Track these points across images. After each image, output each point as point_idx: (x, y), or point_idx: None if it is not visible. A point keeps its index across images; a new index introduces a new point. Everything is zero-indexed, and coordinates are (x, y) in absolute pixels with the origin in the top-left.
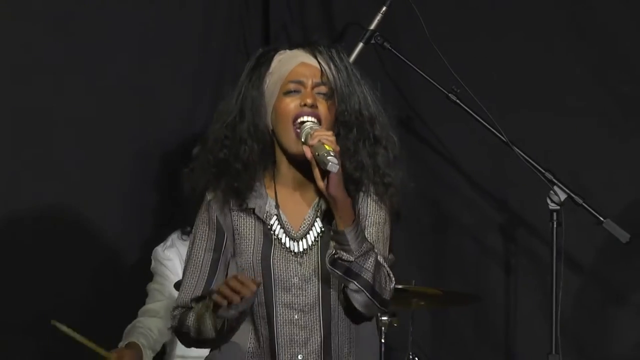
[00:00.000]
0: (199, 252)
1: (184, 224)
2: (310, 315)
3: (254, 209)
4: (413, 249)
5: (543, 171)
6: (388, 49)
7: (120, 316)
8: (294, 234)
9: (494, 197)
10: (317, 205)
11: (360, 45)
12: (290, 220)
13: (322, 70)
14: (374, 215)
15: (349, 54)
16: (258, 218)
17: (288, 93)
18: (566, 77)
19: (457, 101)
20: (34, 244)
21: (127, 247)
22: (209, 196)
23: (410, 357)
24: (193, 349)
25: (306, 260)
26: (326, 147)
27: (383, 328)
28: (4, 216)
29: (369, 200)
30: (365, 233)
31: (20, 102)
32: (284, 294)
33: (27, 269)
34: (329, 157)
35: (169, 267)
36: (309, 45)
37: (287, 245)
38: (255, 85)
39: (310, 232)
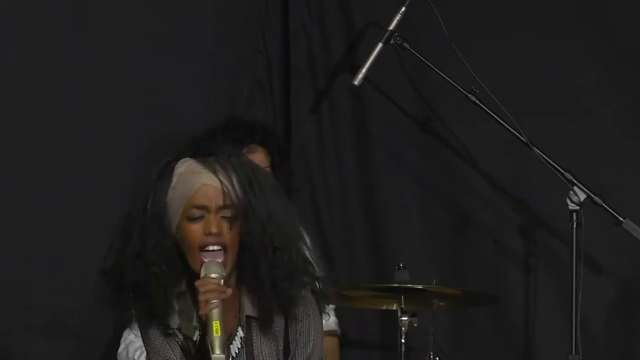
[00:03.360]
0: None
1: None
2: None
3: (179, 329)
4: (433, 249)
5: (563, 171)
6: (407, 49)
7: None
8: None
9: (513, 197)
10: (239, 313)
11: (380, 45)
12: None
13: (224, 191)
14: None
15: (368, 54)
16: (182, 336)
17: (192, 219)
18: (584, 77)
19: (477, 101)
20: (53, 244)
21: None
22: (134, 311)
23: (431, 357)
24: None
25: None
26: (215, 330)
27: (403, 328)
28: (24, 217)
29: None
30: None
31: (39, 102)
32: None
33: (45, 269)
34: (215, 354)
35: None
36: (209, 160)
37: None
38: (158, 201)
39: (234, 341)
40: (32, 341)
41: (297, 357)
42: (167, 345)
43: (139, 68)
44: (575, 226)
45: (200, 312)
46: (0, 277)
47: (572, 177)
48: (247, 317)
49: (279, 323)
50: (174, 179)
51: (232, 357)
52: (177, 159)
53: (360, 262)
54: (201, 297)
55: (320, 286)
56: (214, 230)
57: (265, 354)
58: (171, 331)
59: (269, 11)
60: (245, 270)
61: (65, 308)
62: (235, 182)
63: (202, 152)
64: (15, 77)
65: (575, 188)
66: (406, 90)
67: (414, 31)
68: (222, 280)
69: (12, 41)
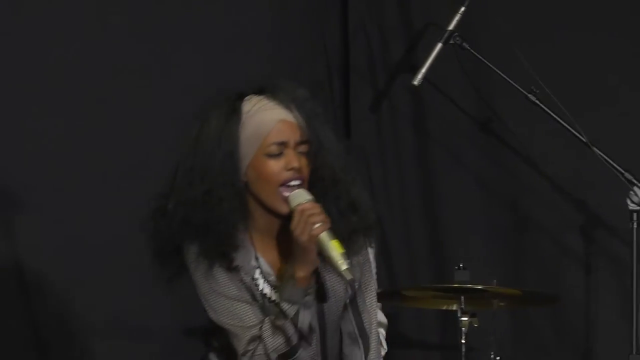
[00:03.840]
0: (230, 293)
1: None
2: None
3: (239, 267)
4: (493, 249)
5: (623, 171)
6: (467, 50)
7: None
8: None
9: (573, 197)
10: None
11: (439, 45)
12: (274, 271)
13: (299, 126)
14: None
15: (428, 54)
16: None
17: (271, 155)
18: None
19: (536, 101)
20: (114, 244)
21: None
22: (191, 256)
23: (492, 357)
24: None
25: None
26: (337, 248)
27: (463, 328)
28: (81, 217)
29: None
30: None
31: (102, 102)
32: None
33: (104, 270)
34: (344, 267)
35: None
36: (280, 96)
37: (274, 299)
38: (229, 139)
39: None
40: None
41: (362, 287)
42: (231, 283)
43: (198, 69)
44: (635, 226)
45: (313, 233)
46: (66, 278)
47: (632, 177)
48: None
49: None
50: (243, 117)
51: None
52: (241, 98)
53: (421, 262)
54: (311, 219)
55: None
56: (296, 165)
57: (335, 285)
58: (235, 267)
59: (328, 11)
60: (325, 204)
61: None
62: (306, 117)
63: (268, 87)
64: (83, 77)
65: (635, 188)
66: (466, 90)
67: (474, 31)
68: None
69: (79, 41)
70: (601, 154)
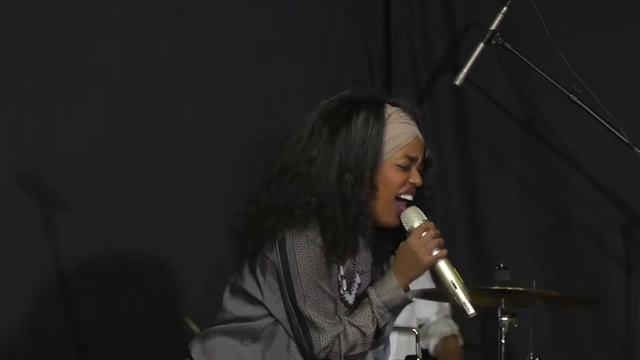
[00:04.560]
0: (324, 284)
1: None
2: None
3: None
4: (534, 249)
5: None
6: (509, 49)
7: None
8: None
9: (615, 197)
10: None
11: (481, 45)
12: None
13: (424, 145)
14: None
15: (470, 54)
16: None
17: (401, 167)
18: None
19: (578, 102)
20: (152, 245)
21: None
22: (314, 236)
23: (531, 357)
24: None
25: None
26: (459, 277)
27: (503, 328)
28: (122, 217)
29: None
30: None
31: (144, 101)
32: None
33: (145, 271)
34: (468, 306)
35: None
36: (411, 113)
37: (346, 299)
38: (373, 140)
39: (353, 284)
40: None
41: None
42: (329, 275)
43: (242, 69)
44: None
45: (435, 256)
46: (107, 278)
47: None
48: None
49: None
50: (386, 123)
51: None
52: (381, 103)
53: (462, 261)
54: (432, 242)
55: None
56: (418, 182)
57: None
58: (338, 265)
59: (370, 11)
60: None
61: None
62: (426, 142)
63: (401, 103)
64: (123, 77)
65: None
66: (507, 90)
67: (515, 31)
68: None
69: (116, 40)
70: None
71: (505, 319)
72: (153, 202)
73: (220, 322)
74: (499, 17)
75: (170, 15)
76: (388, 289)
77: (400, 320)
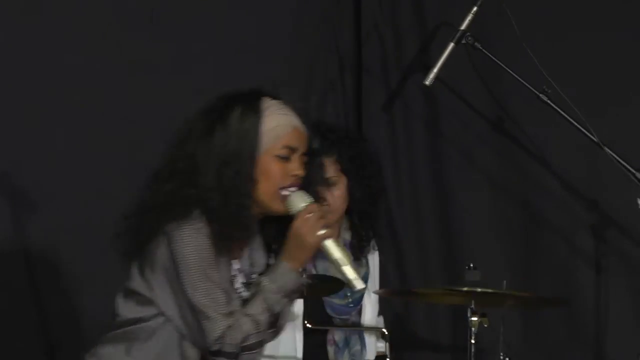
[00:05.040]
0: (214, 276)
1: None
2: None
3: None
4: (504, 249)
5: (634, 172)
6: (479, 49)
7: None
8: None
9: (584, 197)
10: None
11: (451, 45)
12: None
13: (306, 135)
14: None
15: (440, 54)
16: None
17: (281, 157)
18: None
19: (548, 101)
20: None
21: None
22: (189, 231)
23: (501, 358)
24: (281, 348)
25: None
26: (344, 254)
27: (473, 328)
28: (95, 215)
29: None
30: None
31: (116, 102)
32: None
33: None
34: (354, 277)
35: None
36: (291, 105)
37: (242, 293)
38: (248, 133)
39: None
40: None
41: None
42: (218, 265)
43: (212, 68)
44: None
45: (320, 236)
46: (76, 275)
47: None
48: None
49: None
50: (262, 115)
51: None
52: (258, 97)
53: (431, 261)
54: (318, 222)
55: None
56: (299, 172)
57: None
58: (226, 256)
59: (341, 11)
60: None
61: None
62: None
63: (282, 96)
64: (96, 76)
65: None
66: (478, 90)
67: (486, 31)
68: None
69: (94, 41)
70: (612, 154)
71: (475, 319)
72: (129, 202)
73: (112, 329)
74: (469, 17)
75: (141, 13)
76: (279, 273)
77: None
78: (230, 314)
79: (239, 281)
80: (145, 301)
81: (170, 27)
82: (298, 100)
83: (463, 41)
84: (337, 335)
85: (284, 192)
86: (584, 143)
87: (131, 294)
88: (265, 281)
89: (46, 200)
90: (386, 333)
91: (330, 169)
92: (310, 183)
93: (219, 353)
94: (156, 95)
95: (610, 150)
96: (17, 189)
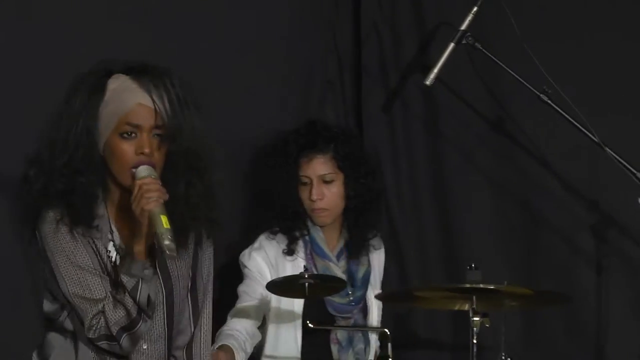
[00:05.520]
0: (83, 263)
1: (271, 225)
2: (157, 345)
3: (94, 239)
4: (505, 249)
5: (635, 172)
6: (479, 49)
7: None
8: None
9: (585, 197)
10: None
11: (452, 45)
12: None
13: (156, 111)
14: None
15: (440, 54)
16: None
17: (124, 135)
18: None
19: (549, 101)
20: None
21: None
22: (51, 226)
23: (503, 357)
24: (281, 348)
25: None
26: (163, 221)
27: (475, 328)
28: None
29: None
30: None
31: None
32: None
33: None
34: (166, 242)
35: (257, 269)
36: (143, 79)
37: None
38: (90, 113)
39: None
40: None
41: (197, 285)
42: (86, 253)
43: (211, 68)
44: None
45: (145, 207)
46: None
47: None
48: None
49: (191, 247)
50: (107, 94)
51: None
52: (109, 74)
53: (432, 262)
54: (145, 195)
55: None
56: (146, 150)
57: (178, 272)
58: (89, 239)
59: (340, 11)
60: (165, 187)
61: None
62: (166, 103)
63: (136, 69)
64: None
65: None
66: (478, 90)
67: (486, 31)
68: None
69: (94, 41)
70: (613, 154)
71: (477, 318)
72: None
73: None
74: (469, 17)
75: (140, 12)
76: (126, 253)
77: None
78: (99, 300)
79: (114, 257)
80: (51, 297)
81: (168, 26)
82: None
83: (463, 41)
84: (340, 334)
85: (133, 170)
86: (584, 143)
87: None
88: (119, 266)
89: None
90: (388, 333)
91: (327, 166)
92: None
93: (96, 339)
94: None
95: (611, 150)
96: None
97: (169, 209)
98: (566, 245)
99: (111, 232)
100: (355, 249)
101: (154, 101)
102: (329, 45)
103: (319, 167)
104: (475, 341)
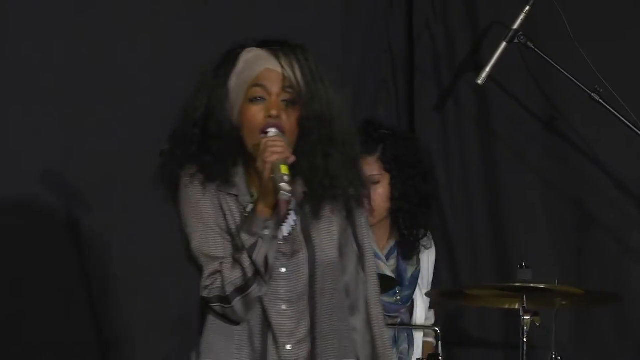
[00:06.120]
0: (209, 220)
1: None
2: (298, 305)
3: (237, 196)
4: (556, 248)
5: None
6: (531, 49)
7: None
8: None
9: (636, 196)
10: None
11: (504, 44)
12: None
13: (284, 75)
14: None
15: (492, 53)
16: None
17: (254, 100)
18: None
19: (600, 101)
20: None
21: None
22: (186, 179)
23: (553, 356)
24: None
25: (289, 249)
26: (282, 168)
27: (525, 327)
28: (143, 217)
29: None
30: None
31: (159, 104)
32: (272, 284)
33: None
34: (281, 184)
35: None
36: (273, 48)
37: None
38: (221, 83)
39: (285, 223)
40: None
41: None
42: (214, 211)
43: None
44: None
45: (267, 159)
46: (130, 277)
47: None
48: (300, 203)
49: (333, 215)
50: (239, 65)
51: (284, 236)
52: (243, 47)
53: (484, 260)
54: (269, 149)
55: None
56: (273, 112)
57: (322, 240)
58: (222, 194)
59: (393, 11)
60: (301, 157)
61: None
62: (297, 70)
63: (268, 41)
64: (142, 76)
65: None
66: (530, 89)
67: (538, 30)
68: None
69: (137, 41)
70: None
71: (528, 317)
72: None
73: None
74: (521, 17)
75: (188, 16)
76: (249, 212)
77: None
78: (218, 258)
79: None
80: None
81: (216, 28)
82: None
83: (515, 40)
84: None
85: (262, 136)
86: (635, 142)
87: None
88: (242, 224)
89: (99, 201)
90: (438, 332)
91: (373, 167)
92: (305, 124)
93: (209, 300)
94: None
95: None
96: (70, 190)
97: (308, 178)
98: (617, 244)
99: (251, 196)
100: (405, 250)
101: (282, 66)
102: (382, 44)
103: (365, 167)
104: (525, 340)
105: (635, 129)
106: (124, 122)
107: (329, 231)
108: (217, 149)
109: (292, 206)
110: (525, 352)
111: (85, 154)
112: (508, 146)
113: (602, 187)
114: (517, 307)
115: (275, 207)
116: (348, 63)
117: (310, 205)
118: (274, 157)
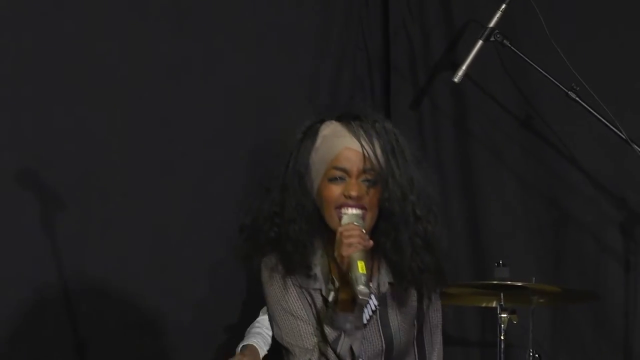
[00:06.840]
0: (296, 313)
1: None
2: None
3: (320, 290)
4: (533, 246)
5: None
6: (507, 47)
7: (241, 317)
8: None
9: (613, 195)
10: (374, 281)
11: (480, 42)
12: None
13: (365, 155)
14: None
15: (469, 52)
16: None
17: (333, 180)
18: None
19: (577, 99)
20: (150, 246)
21: None
22: (266, 274)
23: (531, 354)
24: None
25: (369, 336)
26: (359, 266)
27: (502, 325)
28: (122, 216)
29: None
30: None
31: (141, 102)
32: None
33: (145, 269)
34: (359, 287)
35: None
36: (354, 124)
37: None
38: (301, 161)
39: (365, 309)
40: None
41: (424, 332)
42: (299, 301)
43: (239, 69)
44: None
45: (344, 253)
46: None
47: None
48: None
49: (412, 297)
50: (318, 141)
51: (364, 324)
52: (322, 121)
53: (461, 259)
54: (345, 240)
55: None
56: (353, 193)
57: (399, 324)
58: (304, 289)
59: (369, 9)
60: (384, 237)
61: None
62: (377, 148)
63: (347, 115)
64: (119, 75)
65: None
66: (506, 88)
67: (515, 28)
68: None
69: (115, 39)
70: None
71: (505, 315)
72: (153, 201)
73: None
74: (497, 15)
75: (168, 15)
76: (330, 304)
77: None
78: (308, 349)
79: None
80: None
81: (194, 28)
82: (364, 118)
83: (492, 39)
84: None
85: (340, 215)
86: (612, 140)
87: None
88: (323, 316)
89: (75, 200)
90: None
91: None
92: (385, 203)
93: None
94: (182, 98)
95: (639, 147)
96: (46, 188)
97: (392, 261)
98: (594, 242)
99: (332, 282)
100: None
101: (362, 145)
102: (358, 42)
103: None
104: (502, 338)
105: (611, 127)
106: (101, 121)
107: (409, 318)
108: (296, 233)
109: (372, 290)
110: (502, 350)
111: (61, 153)
112: (484, 145)
113: (579, 185)
114: (494, 305)
115: (355, 298)
116: (323, 61)
117: (396, 296)
118: (351, 250)
